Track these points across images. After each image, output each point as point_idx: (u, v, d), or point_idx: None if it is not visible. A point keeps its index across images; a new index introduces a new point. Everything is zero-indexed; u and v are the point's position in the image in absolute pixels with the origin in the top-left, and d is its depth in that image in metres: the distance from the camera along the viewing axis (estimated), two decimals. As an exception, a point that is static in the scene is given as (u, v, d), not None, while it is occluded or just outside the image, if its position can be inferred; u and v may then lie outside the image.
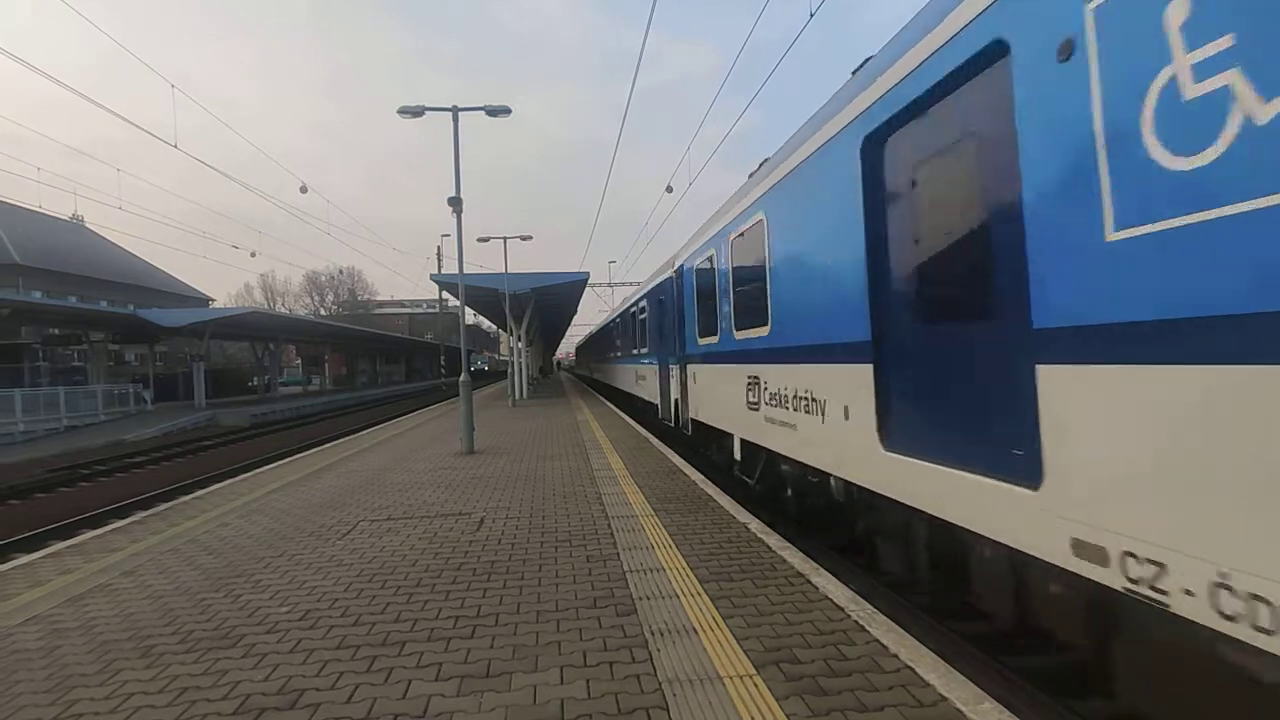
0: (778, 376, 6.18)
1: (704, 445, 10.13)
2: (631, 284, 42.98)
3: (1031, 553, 2.91)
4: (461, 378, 12.64)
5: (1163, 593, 2.25)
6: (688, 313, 10.37)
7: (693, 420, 10.22)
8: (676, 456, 10.13)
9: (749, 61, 54.30)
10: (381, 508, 7.22)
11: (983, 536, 3.30)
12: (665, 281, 12.25)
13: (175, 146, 18.57)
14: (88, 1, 22.52)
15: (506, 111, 13.77)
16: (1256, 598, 1.96)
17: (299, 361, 64.78)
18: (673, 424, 12.02)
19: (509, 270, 24.27)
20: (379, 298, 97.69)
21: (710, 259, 8.78)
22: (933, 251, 3.84)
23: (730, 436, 8.14)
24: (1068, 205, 2.68)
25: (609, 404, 22.69)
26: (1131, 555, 2.38)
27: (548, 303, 28.78)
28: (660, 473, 8.76)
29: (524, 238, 27.39)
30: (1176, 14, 2.19)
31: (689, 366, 10.30)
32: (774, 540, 5.37)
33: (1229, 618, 2.04)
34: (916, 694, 2.91)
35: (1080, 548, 2.62)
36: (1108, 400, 2.49)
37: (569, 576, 4.65)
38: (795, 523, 6.72)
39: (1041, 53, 2.78)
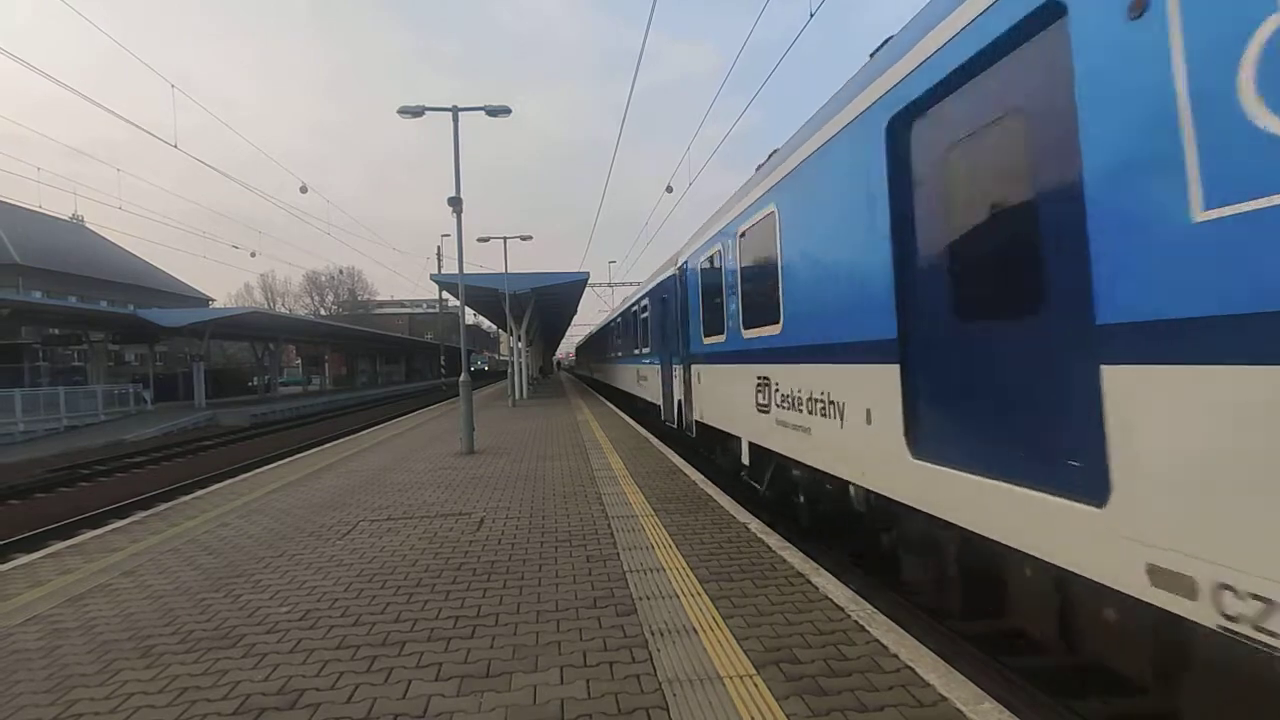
0: (790, 377, 5.87)
1: (709, 448, 9.88)
2: (631, 284, 43.04)
3: (1094, 578, 2.58)
4: (461, 378, 12.63)
5: (1275, 635, 1.93)
6: (692, 311, 10.08)
7: (697, 422, 9.98)
8: (676, 457, 10.13)
9: (749, 61, 54.30)
10: (381, 508, 7.22)
11: (1029, 555, 2.98)
12: (668, 279, 11.97)
13: (175, 146, 18.59)
14: (88, 1, 22.53)
15: (506, 111, 13.77)
16: None
17: (299, 361, 64.80)
18: (675, 426, 11.73)
19: (509, 270, 24.28)
20: (379, 298, 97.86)
21: (716, 255, 8.47)
22: (970, 241, 3.47)
23: (737, 439, 7.89)
24: (1143, 184, 2.35)
25: (609, 404, 22.69)
26: (1229, 588, 2.06)
27: (548, 303, 28.78)
28: (660, 473, 8.77)
29: (524, 238, 27.40)
30: None
31: (693, 366, 10.03)
32: (774, 540, 5.37)
33: None
34: (916, 694, 2.91)
35: (1158, 575, 2.28)
36: (1195, 406, 2.17)
37: (569, 576, 4.65)
38: (806, 532, 6.42)
39: (1107, 11, 2.47)
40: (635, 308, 17.42)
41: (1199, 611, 2.15)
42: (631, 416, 17.58)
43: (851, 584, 4.55)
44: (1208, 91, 2.13)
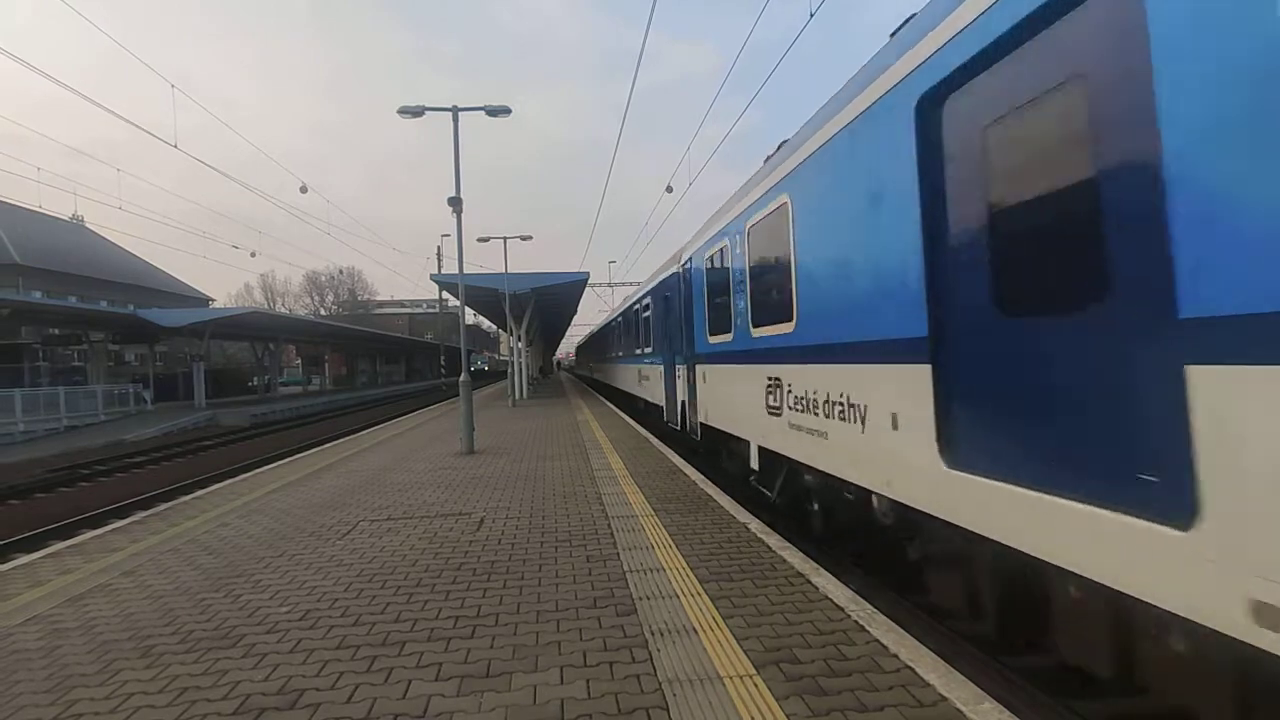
0: (804, 378, 5.54)
1: (715, 451, 9.57)
2: (631, 284, 43.05)
3: (1177, 611, 2.25)
4: (461, 378, 12.64)
5: None
6: (696, 309, 9.74)
7: (702, 424, 9.66)
8: (676, 457, 10.13)
9: (749, 61, 54.32)
10: (381, 508, 7.22)
11: (1078, 575, 2.69)
12: (671, 277, 11.69)
13: (175, 146, 18.59)
14: (88, 1, 22.52)
15: (506, 111, 13.77)
16: None
17: (299, 361, 64.83)
18: (679, 428, 11.42)
19: (509, 270, 24.30)
20: (379, 298, 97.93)
21: (723, 250, 8.11)
22: (1018, 228, 3.10)
23: (745, 443, 7.56)
24: (1243, 155, 2.04)
25: (609, 404, 22.69)
26: None
27: (548, 303, 28.79)
28: (660, 473, 8.77)
29: (524, 238, 27.42)
30: None
31: (698, 366, 9.73)
32: (774, 540, 5.37)
33: None
34: (916, 694, 2.91)
35: (1265, 614, 1.96)
36: None
37: (569, 576, 4.65)
38: (820, 541, 6.14)
39: None
40: (637, 306, 17.24)
41: None
42: (632, 417, 17.58)
43: (851, 584, 4.55)
44: None
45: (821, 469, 5.29)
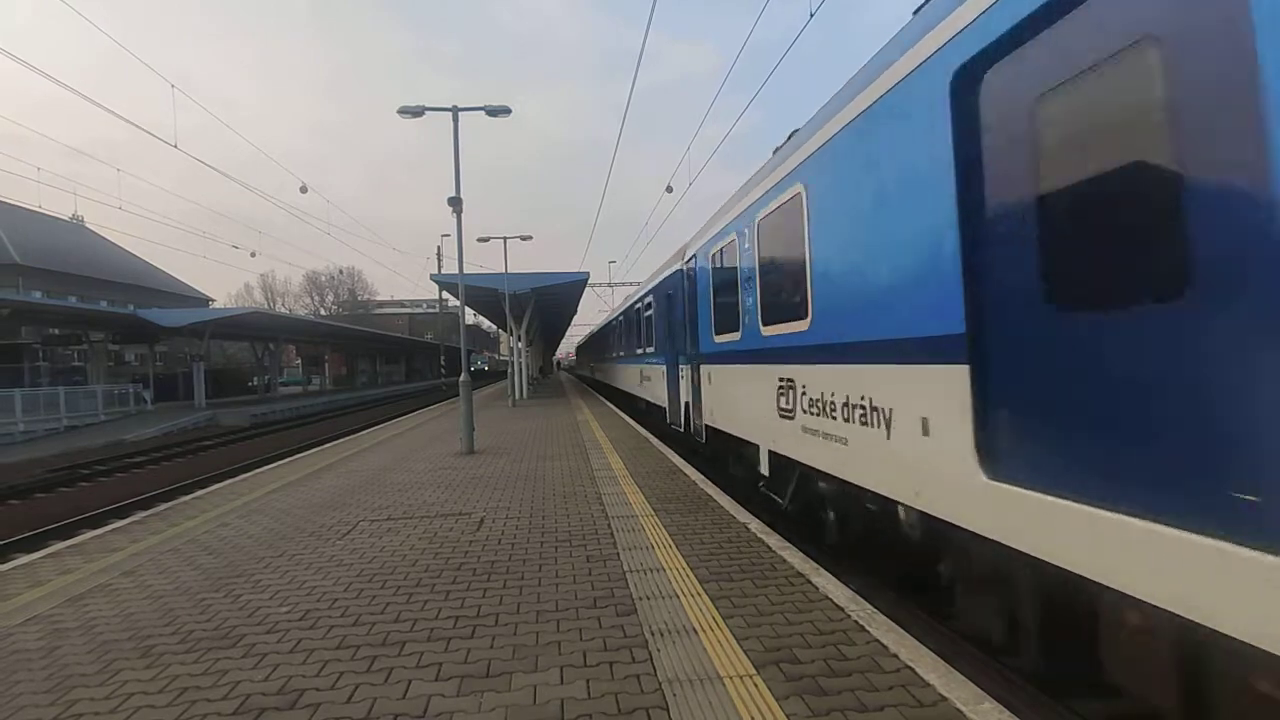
0: (819, 379, 5.23)
1: (721, 454, 9.26)
2: (631, 284, 43.05)
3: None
4: (461, 378, 12.65)
5: None
6: (701, 307, 9.37)
7: (707, 427, 9.36)
8: (676, 457, 10.14)
9: (749, 61, 54.35)
10: (381, 508, 7.23)
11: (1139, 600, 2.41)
12: (674, 274, 11.38)
13: (175, 146, 18.60)
14: (88, 1, 22.53)
15: (506, 111, 13.78)
16: None
17: (299, 361, 64.85)
18: (683, 430, 11.13)
19: (509, 270, 24.31)
20: (379, 298, 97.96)
21: (730, 245, 7.74)
22: (1074, 213, 2.76)
23: (754, 447, 7.22)
24: None
25: (609, 404, 22.70)
26: None
27: (548, 303, 28.81)
28: (660, 473, 8.77)
29: (524, 238, 27.45)
30: None
31: (702, 367, 9.41)
32: (774, 540, 5.37)
33: None
34: (916, 694, 2.91)
35: None
36: None
37: (569, 576, 4.65)
38: (833, 550, 5.83)
39: None
40: (638, 305, 17.05)
41: None
42: (633, 417, 17.58)
43: (851, 584, 4.54)
44: None
45: (839, 476, 4.97)
